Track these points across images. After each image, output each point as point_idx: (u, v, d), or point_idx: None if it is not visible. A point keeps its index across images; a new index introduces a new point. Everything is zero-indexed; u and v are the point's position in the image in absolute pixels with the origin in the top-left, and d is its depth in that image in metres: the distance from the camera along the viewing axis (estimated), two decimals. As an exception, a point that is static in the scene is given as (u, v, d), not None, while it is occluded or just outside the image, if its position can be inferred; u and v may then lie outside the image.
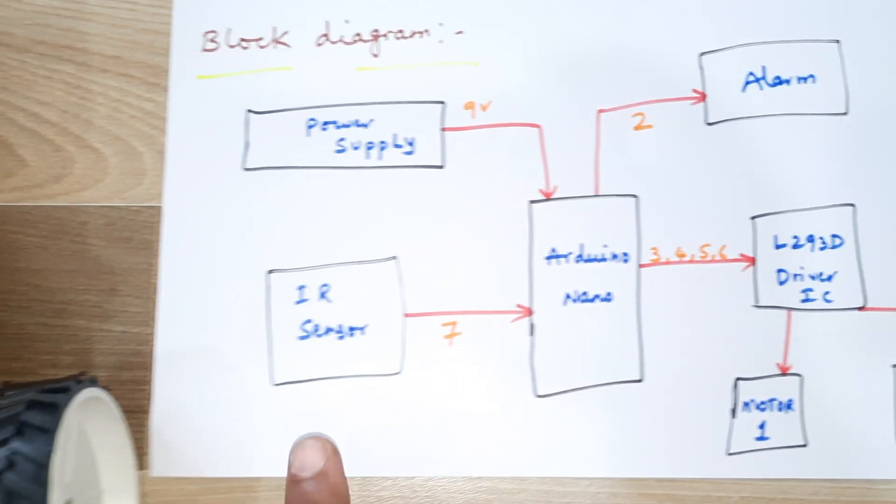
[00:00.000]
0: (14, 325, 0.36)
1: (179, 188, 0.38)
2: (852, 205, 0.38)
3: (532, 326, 0.37)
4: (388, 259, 0.37)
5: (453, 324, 0.37)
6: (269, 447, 0.36)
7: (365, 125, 0.38)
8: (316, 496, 0.28)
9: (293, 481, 0.29)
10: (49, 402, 0.28)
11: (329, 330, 0.37)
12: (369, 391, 0.36)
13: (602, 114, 0.39)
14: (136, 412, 0.35)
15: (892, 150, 0.38)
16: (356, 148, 0.38)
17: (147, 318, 0.36)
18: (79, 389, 0.29)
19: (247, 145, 0.38)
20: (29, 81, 0.38)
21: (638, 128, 0.39)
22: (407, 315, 0.37)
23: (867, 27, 0.39)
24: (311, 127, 0.38)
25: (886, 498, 0.36)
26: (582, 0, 0.40)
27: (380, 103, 0.39)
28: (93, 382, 0.31)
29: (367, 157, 0.38)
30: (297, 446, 0.30)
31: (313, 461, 0.29)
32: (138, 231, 0.37)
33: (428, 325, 0.37)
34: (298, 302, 0.37)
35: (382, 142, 0.38)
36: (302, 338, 0.37)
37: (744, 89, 0.39)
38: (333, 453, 0.30)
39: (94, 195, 0.37)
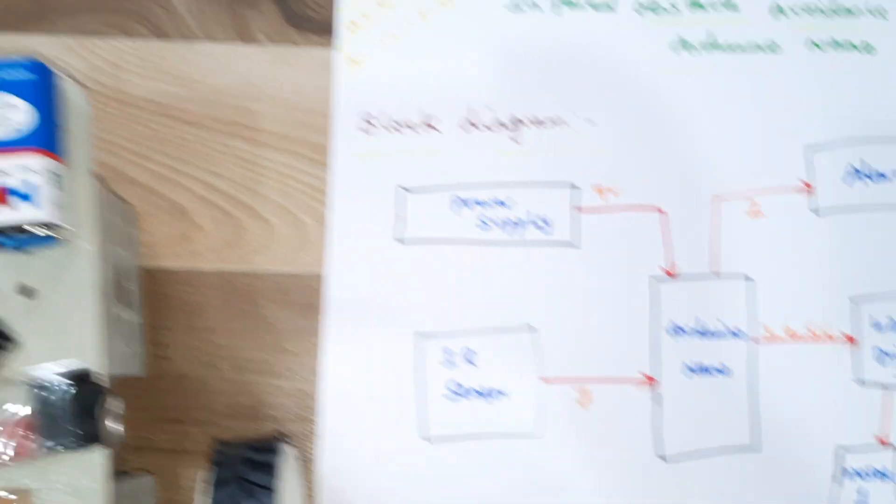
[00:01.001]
0: (196, 378, 0.40)
1: (340, 257, 0.42)
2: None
3: (655, 395, 0.41)
4: (526, 328, 0.41)
5: (585, 390, 0.41)
6: (422, 497, 0.40)
7: (505, 204, 0.43)
8: None
9: None
10: (264, 461, 0.32)
11: (473, 391, 0.41)
12: (510, 451, 0.40)
13: (718, 200, 0.43)
14: (303, 462, 0.39)
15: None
16: (498, 225, 0.42)
17: (312, 374, 0.41)
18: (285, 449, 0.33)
19: (400, 220, 0.42)
20: (205, 154, 0.42)
21: (751, 214, 0.43)
22: (543, 380, 0.41)
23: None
24: (457, 205, 0.42)
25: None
26: (701, 94, 0.44)
27: (518, 184, 0.43)
28: (286, 440, 0.35)
29: (508, 233, 0.42)
30: None
31: None
32: (303, 296, 0.41)
33: (562, 390, 0.41)
34: (445, 364, 0.41)
35: (521, 220, 0.42)
36: (448, 397, 0.41)
37: (848, 181, 0.43)
38: None
39: (264, 261, 0.41)
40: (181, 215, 0.42)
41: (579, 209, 0.42)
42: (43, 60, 0.31)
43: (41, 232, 0.30)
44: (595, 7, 0.44)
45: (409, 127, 0.43)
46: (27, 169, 0.30)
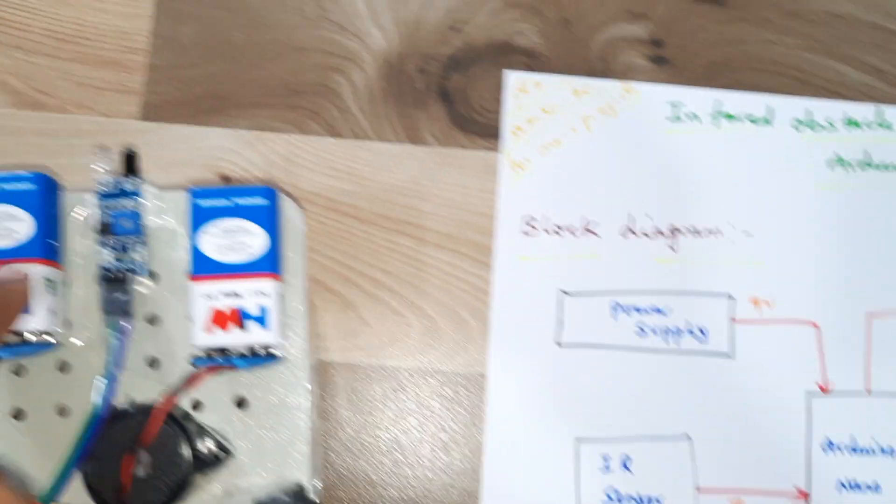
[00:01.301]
0: (360, 471, 0.42)
1: (502, 358, 0.43)
2: None
3: (809, 509, 0.42)
4: (683, 436, 0.42)
5: (740, 501, 0.42)
6: None
7: (663, 312, 0.44)
8: None
9: None
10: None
11: (630, 498, 0.42)
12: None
13: (872, 317, 0.43)
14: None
15: None
16: (655, 332, 0.43)
17: (475, 474, 0.42)
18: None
19: (560, 323, 0.43)
20: (374, 251, 0.44)
21: (905, 333, 0.43)
22: (699, 489, 0.42)
23: None
24: (615, 310, 0.44)
25: None
26: (855, 210, 0.44)
27: (676, 293, 0.44)
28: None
29: (665, 341, 0.43)
30: None
31: None
32: (466, 394, 0.42)
33: (717, 500, 0.42)
34: (603, 469, 0.42)
35: (678, 328, 0.43)
36: (605, 503, 0.42)
37: None
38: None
39: (429, 358, 0.43)
40: (350, 310, 0.43)
41: (735, 320, 0.43)
42: (271, 187, 0.33)
43: (267, 352, 0.32)
44: (753, 121, 0.46)
45: (569, 231, 0.44)
46: (260, 293, 0.31)
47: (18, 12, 0.46)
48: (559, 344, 0.43)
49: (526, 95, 0.46)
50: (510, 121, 0.45)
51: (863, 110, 0.46)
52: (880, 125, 0.45)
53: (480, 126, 0.46)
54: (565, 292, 0.44)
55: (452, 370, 0.43)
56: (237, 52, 0.46)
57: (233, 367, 0.32)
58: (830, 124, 0.45)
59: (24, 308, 0.33)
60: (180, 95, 0.46)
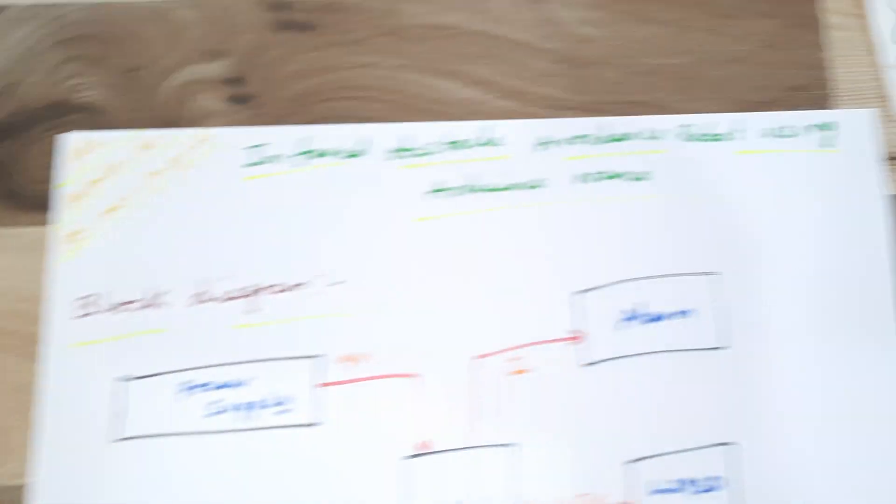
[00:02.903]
0: None
1: (48, 464, 0.37)
2: (733, 443, 0.38)
3: None
4: (264, 527, 0.37)
5: None
6: None
7: (241, 385, 0.38)
8: None
9: None
10: None
11: None
12: None
13: (478, 360, 0.39)
14: None
15: (773, 383, 0.38)
16: (234, 409, 0.38)
17: None
18: None
19: (117, 415, 0.38)
20: None
21: (515, 373, 0.38)
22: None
23: (743, 260, 0.40)
24: (185, 391, 0.38)
25: None
26: (456, 244, 0.40)
27: (255, 361, 0.38)
28: None
29: (243, 418, 0.38)
30: None
31: None
32: (5, 513, 0.36)
33: None
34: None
35: (258, 401, 0.38)
36: None
37: (620, 327, 0.39)
38: None
39: (-38, 477, 0.37)
40: None
41: (322, 384, 0.38)
42: None
43: None
44: (345, 155, 0.41)
45: (132, 306, 0.39)
46: None
47: None
48: (118, 439, 0.37)
49: (86, 157, 0.41)
50: (68, 189, 0.40)
51: (466, 129, 0.41)
52: (486, 143, 0.41)
53: (33, 199, 0.40)
54: (125, 377, 0.38)
55: (-7, 486, 0.37)
56: None
57: None
58: (430, 150, 0.41)
59: None
60: None
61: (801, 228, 0.40)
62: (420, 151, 0.41)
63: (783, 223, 0.40)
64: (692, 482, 0.37)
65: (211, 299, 0.39)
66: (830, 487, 0.37)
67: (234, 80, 0.42)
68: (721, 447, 0.38)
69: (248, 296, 0.39)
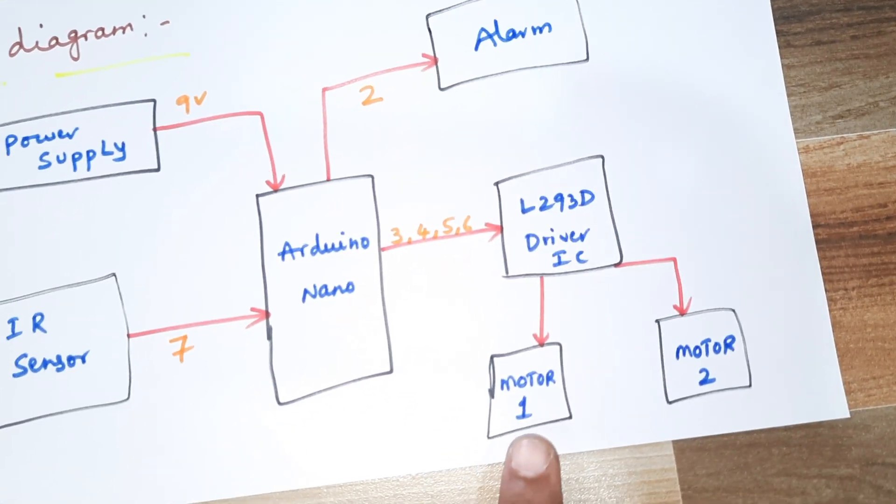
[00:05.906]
0: None
1: None
2: (601, 156, 0.36)
3: (269, 330, 0.34)
4: (106, 277, 0.34)
5: (183, 338, 0.34)
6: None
7: (70, 135, 0.35)
8: (534, 498, 0.29)
9: (512, 477, 0.30)
10: None
11: (46, 363, 0.34)
12: (94, 424, 0.34)
13: (327, 92, 0.36)
14: None
15: (637, 95, 0.36)
16: (61, 161, 0.35)
17: None
18: None
19: (-61, 173, 0.35)
20: None
21: (367, 102, 0.36)
22: (131, 335, 0.34)
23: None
24: (10, 144, 0.35)
25: (657, 465, 0.34)
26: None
27: (83, 109, 0.36)
28: None
29: (75, 169, 0.35)
30: (519, 444, 0.31)
31: (536, 462, 0.31)
32: None
33: (155, 343, 0.34)
34: (10, 337, 0.34)
35: (90, 151, 0.35)
36: (17, 375, 0.34)
37: (477, 48, 0.36)
38: (555, 459, 0.31)
39: None
40: None
41: (160, 127, 0.35)
42: None
43: None
44: None
45: (-59, 61, 0.35)
46: None
47: None
48: (-59, 199, 0.35)
49: None
50: None
51: None
52: None
53: None
54: (-58, 135, 0.35)
55: None
56: None
57: None
58: None
59: None
60: None
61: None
62: None
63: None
64: (570, 196, 0.35)
65: (29, 48, 0.36)
66: (693, 198, 0.36)
67: None
68: (589, 161, 0.36)
69: (68, 42, 0.36)
